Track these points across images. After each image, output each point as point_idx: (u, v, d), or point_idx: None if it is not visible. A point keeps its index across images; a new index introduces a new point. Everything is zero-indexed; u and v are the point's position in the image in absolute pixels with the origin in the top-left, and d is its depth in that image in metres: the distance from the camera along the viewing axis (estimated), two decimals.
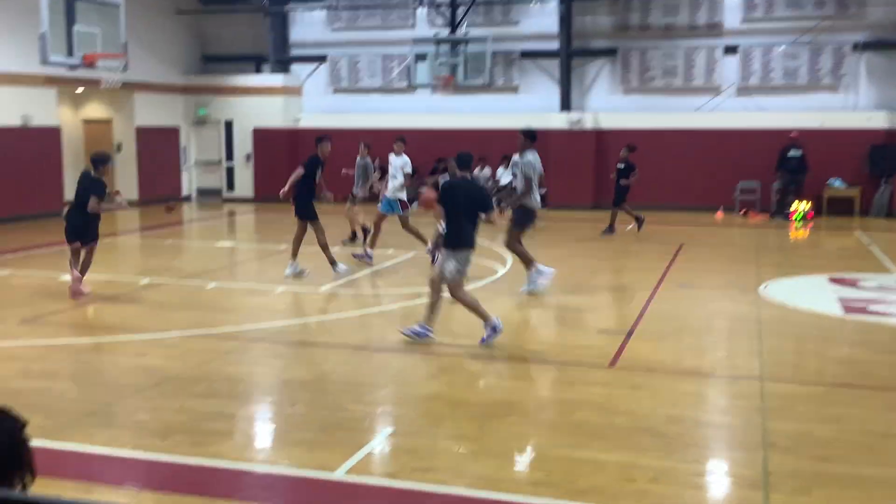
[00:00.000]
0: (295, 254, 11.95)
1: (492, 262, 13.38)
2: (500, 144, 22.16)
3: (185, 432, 5.92)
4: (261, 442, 6.05)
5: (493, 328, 8.12)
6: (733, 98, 21.19)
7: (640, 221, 17.12)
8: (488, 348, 8.08)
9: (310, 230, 11.87)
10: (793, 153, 19.77)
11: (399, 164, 13.61)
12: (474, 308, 8.24)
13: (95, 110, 22.76)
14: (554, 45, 21.85)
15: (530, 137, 10.99)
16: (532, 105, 22.39)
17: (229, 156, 24.22)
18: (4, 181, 17.25)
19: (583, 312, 10.22)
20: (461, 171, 8.62)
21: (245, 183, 24.15)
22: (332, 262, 12.00)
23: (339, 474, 5.25)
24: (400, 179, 13.47)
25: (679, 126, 21.12)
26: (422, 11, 22.88)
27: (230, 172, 24.32)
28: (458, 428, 6.08)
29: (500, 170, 22.46)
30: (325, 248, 11.95)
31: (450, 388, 7.05)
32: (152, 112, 22.81)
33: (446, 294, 8.35)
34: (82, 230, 10.57)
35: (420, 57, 21.00)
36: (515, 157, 11.36)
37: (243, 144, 24.15)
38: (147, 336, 8.70)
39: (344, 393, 6.88)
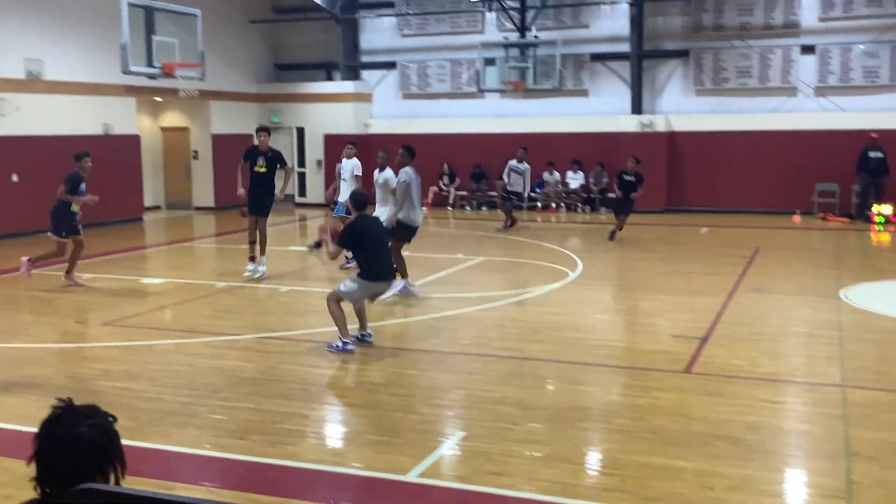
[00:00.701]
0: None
1: (563, 265, 13.29)
2: (570, 148, 22.06)
3: (261, 432, 6.03)
4: (334, 443, 6.11)
5: (343, 345, 8.18)
6: (811, 98, 20.64)
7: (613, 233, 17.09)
8: (372, 347, 8.09)
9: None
10: (873, 154, 19.17)
11: (349, 167, 13.71)
12: (338, 321, 8.21)
13: (173, 118, 23.37)
14: (625, 47, 21.62)
15: (410, 153, 11.09)
16: (602, 108, 22.20)
17: (301, 162, 24.60)
18: (87, 188, 17.79)
19: (656, 317, 10.07)
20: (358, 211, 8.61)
21: (316, 188, 24.46)
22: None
23: (412, 477, 5.27)
24: (350, 183, 13.43)
25: (754, 128, 20.67)
26: (490, 16, 22.89)
27: (302, 178, 24.69)
28: (529, 432, 6.05)
29: (570, 174, 22.32)
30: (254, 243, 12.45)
31: (520, 391, 7.02)
32: (227, 120, 23.31)
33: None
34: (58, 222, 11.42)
35: (489, 61, 20.99)
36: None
37: (314, 150, 24.50)
38: (223, 338, 8.88)
39: (415, 395, 6.92)
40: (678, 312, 10.09)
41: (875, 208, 18.85)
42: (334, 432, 6.35)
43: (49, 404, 2.33)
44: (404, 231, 11.06)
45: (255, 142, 12.41)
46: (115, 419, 2.36)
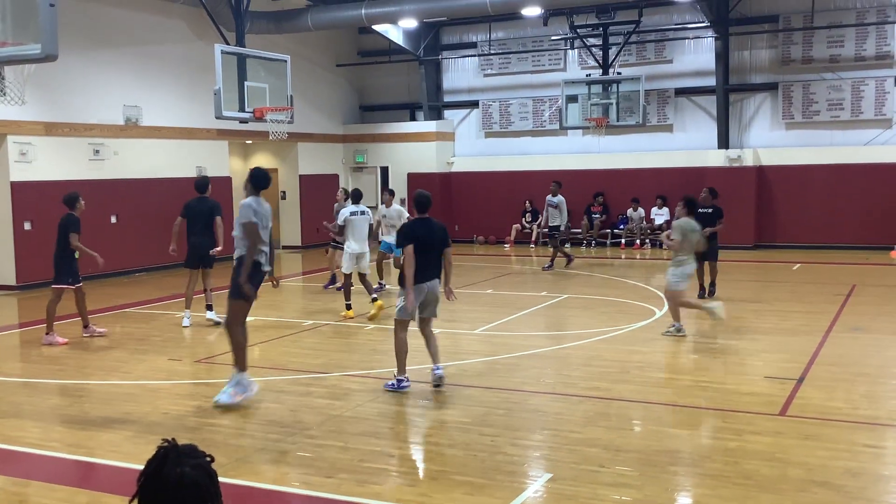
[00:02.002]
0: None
1: (648, 303, 13.09)
2: (655, 184, 21.80)
3: (348, 471, 6.07)
4: (420, 483, 6.11)
5: (398, 383, 8.33)
6: None
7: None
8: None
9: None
10: None
11: (395, 213, 14.57)
12: (399, 356, 8.35)
13: (262, 160, 24.02)
14: (710, 81, 21.34)
15: (256, 184, 8.21)
16: (688, 143, 21.92)
17: None
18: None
19: (748, 357, 9.80)
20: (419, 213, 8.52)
21: None
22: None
23: None
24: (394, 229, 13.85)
25: (847, 161, 20.09)
26: (572, 53, 22.94)
27: None
28: (618, 475, 5.93)
29: (654, 209, 22.04)
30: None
31: (608, 432, 6.90)
32: (314, 160, 23.88)
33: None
34: (63, 271, 11.04)
35: (571, 98, 20.99)
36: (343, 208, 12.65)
37: (398, 189, 24.80)
38: (311, 376, 9.02)
39: (501, 436, 6.87)
40: (771, 352, 9.80)
41: None
42: (420, 472, 6.35)
43: (144, 441, 2.41)
44: (256, 275, 7.98)
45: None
46: (212, 459, 2.41)
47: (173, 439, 2.36)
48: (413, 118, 25.30)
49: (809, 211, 20.62)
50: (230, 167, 21.48)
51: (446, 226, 8.84)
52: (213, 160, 20.10)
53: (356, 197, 13.24)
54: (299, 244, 23.61)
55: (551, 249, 17.99)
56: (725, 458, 6.25)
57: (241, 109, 13.94)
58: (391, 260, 14.44)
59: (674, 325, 10.84)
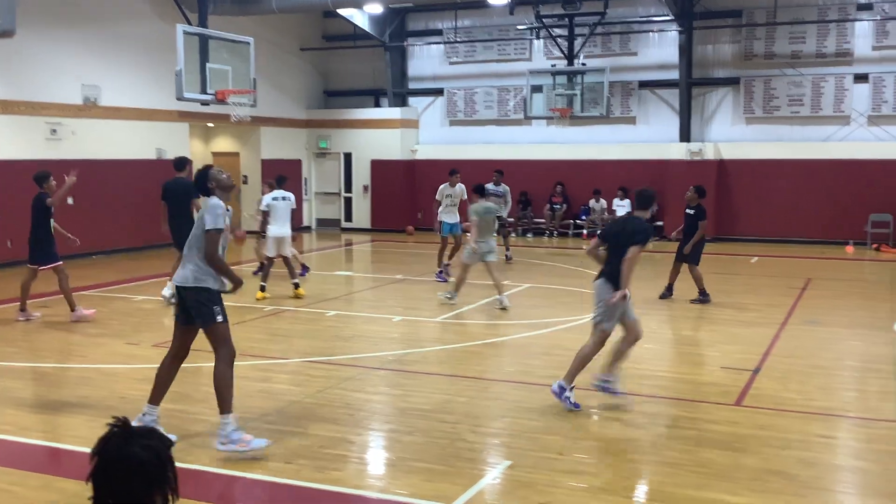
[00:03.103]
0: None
1: None
2: (617, 175, 21.95)
3: (307, 457, 6.05)
4: (380, 469, 6.10)
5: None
6: (864, 128, 20.32)
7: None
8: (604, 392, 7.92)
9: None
10: None
11: (459, 191, 14.79)
12: (583, 361, 7.51)
13: (224, 144, 23.78)
14: (674, 74, 21.53)
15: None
16: (650, 135, 22.10)
17: (347, 187, 24.85)
18: (141, 211, 18.17)
19: (705, 348, 9.93)
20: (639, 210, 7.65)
21: (362, 213, 24.70)
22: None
23: None
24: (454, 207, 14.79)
25: (806, 156, 20.40)
26: (538, 44, 22.99)
27: (348, 203, 24.94)
28: (576, 462, 5.98)
29: (616, 200, 22.20)
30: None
31: (567, 421, 6.96)
32: (277, 145, 23.67)
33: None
34: (38, 252, 10.93)
35: (536, 88, 21.03)
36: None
37: (361, 176, 24.73)
38: (270, 362, 8.96)
39: (461, 423, 6.89)
40: (728, 343, 9.94)
41: None
42: (380, 458, 6.34)
43: (100, 425, 2.36)
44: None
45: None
46: (172, 443, 2.38)
47: (125, 418, 2.32)
48: (377, 105, 25.18)
49: (768, 205, 20.92)
50: (191, 150, 21.20)
51: None
52: (173, 142, 19.82)
53: (280, 182, 13.41)
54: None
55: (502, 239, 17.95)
56: (682, 447, 6.33)
57: (203, 91, 13.78)
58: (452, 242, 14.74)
59: (449, 293, 12.06)
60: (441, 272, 14.51)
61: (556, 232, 22.51)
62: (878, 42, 20.14)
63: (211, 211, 6.27)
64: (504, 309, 11.84)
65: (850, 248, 19.36)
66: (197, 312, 6.27)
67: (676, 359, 9.70)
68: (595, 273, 7.57)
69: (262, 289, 12.69)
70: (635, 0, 21.83)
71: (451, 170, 15.16)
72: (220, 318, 6.26)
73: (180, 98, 13.60)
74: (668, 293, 12.91)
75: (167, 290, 12.12)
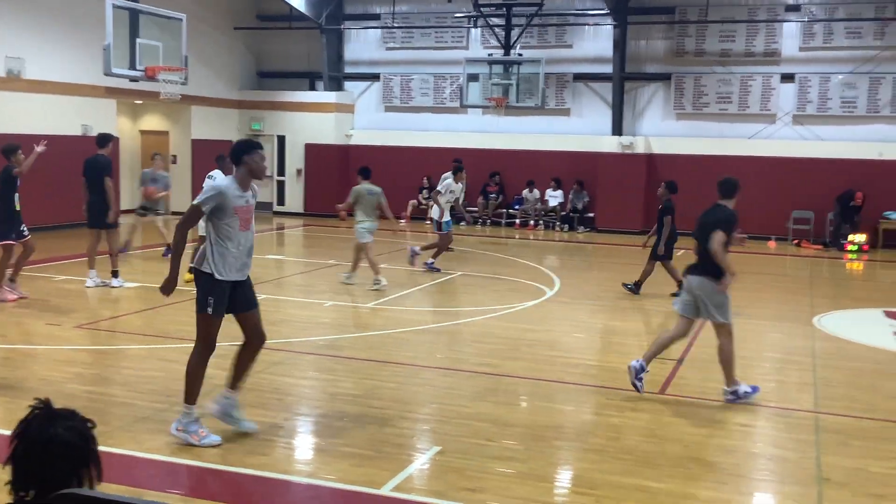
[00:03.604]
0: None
1: (540, 283, 13.34)
2: (551, 166, 22.17)
3: (234, 441, 5.97)
4: (308, 454, 6.06)
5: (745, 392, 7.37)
6: (789, 126, 20.91)
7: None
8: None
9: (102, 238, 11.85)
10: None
11: (460, 188, 14.78)
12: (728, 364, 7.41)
13: (153, 122, 23.24)
14: (607, 68, 21.80)
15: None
16: (583, 128, 22.36)
17: (281, 170, 24.54)
18: (62, 189, 17.64)
19: (632, 337, 10.11)
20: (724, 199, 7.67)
21: (295, 197, 24.44)
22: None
23: (386, 490, 5.24)
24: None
25: (733, 153, 20.89)
26: (475, 32, 23.02)
27: (281, 187, 24.64)
28: (504, 449, 6.04)
29: (549, 191, 22.42)
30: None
31: (496, 408, 7.01)
32: (208, 125, 23.23)
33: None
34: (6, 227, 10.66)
35: (472, 77, 21.08)
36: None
37: (295, 159, 24.44)
38: None
39: (391, 409, 6.88)
40: (655, 333, 10.13)
41: (850, 237, 19.12)
42: (309, 443, 6.30)
43: (19, 407, 2.30)
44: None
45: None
46: (93, 424, 2.33)
47: (47, 400, 2.26)
48: (313, 88, 24.90)
49: (695, 200, 21.21)
50: (118, 127, 20.66)
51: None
52: (99, 119, 19.26)
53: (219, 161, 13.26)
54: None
55: None
56: (608, 434, 6.44)
57: (132, 67, 13.44)
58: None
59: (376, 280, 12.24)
60: (433, 262, 14.25)
61: (489, 221, 22.63)
62: (804, 43, 20.71)
63: (204, 188, 6.02)
64: (379, 289, 12.10)
65: (772, 244, 19.93)
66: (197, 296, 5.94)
67: (604, 348, 9.86)
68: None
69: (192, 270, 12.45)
70: None
71: (459, 165, 14.87)
72: (209, 310, 5.88)
73: (108, 73, 13.22)
74: (635, 289, 12.60)
75: (91, 281, 11.80)
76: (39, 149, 10.74)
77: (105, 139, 11.96)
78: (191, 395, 5.96)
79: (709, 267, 7.23)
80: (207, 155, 23.16)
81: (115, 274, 11.90)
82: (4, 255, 10.67)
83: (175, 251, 5.99)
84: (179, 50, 14.34)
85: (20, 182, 10.80)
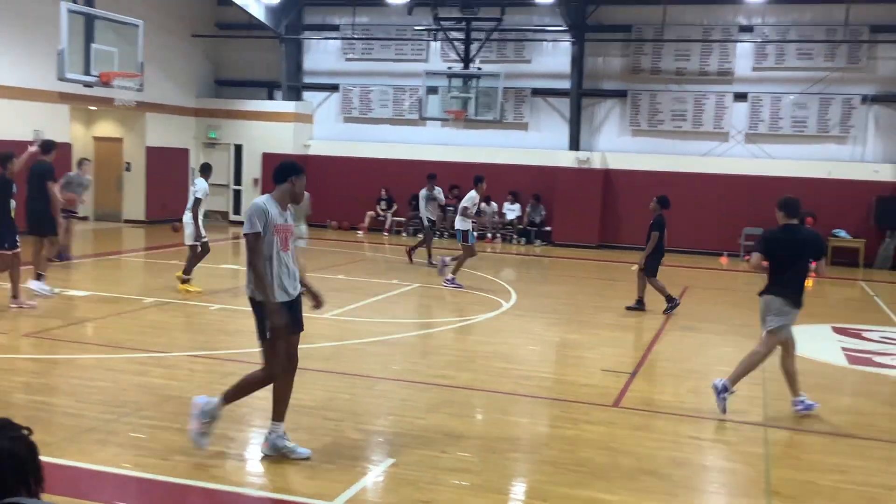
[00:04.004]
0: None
1: (496, 296, 13.38)
2: (508, 180, 22.29)
3: (185, 453, 5.88)
4: (260, 466, 5.99)
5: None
6: (741, 145, 21.30)
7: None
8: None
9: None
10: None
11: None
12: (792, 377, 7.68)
13: (107, 128, 22.91)
14: (565, 84, 22.02)
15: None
16: (541, 142, 22.54)
17: (237, 179, 24.34)
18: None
19: (586, 350, 10.18)
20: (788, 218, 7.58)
21: None
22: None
23: (339, 503, 5.20)
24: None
25: (686, 170, 21.22)
26: (435, 45, 23.10)
27: (238, 195, 24.43)
28: (458, 461, 6.03)
29: (507, 205, 22.53)
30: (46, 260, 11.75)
31: (451, 420, 7.00)
32: (163, 133, 22.97)
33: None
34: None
35: (432, 90, 21.14)
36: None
37: (252, 169, 24.25)
38: (149, 355, 8.67)
39: (345, 420, 6.84)
40: (608, 347, 10.22)
41: None
42: (260, 455, 6.22)
43: None
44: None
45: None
46: (30, 432, 2.31)
47: None
48: (271, 97, 24.77)
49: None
50: (71, 133, 20.34)
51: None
52: (52, 124, 18.95)
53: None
54: (143, 219, 22.67)
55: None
56: (562, 446, 6.47)
57: (87, 73, 13.24)
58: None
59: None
60: (453, 279, 14.15)
61: (446, 233, 22.65)
62: (757, 63, 21.14)
63: (247, 214, 5.76)
64: None
65: (724, 259, 20.20)
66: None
67: (559, 361, 9.91)
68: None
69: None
70: (531, 8, 22.22)
71: (480, 176, 14.83)
72: (268, 335, 5.79)
73: (62, 78, 13.01)
74: (639, 306, 12.60)
75: (34, 284, 11.55)
76: (32, 148, 10.98)
77: (49, 146, 11.76)
78: (278, 411, 5.94)
79: (791, 285, 7.49)
80: (163, 163, 22.93)
81: (39, 277, 11.61)
82: (14, 261, 10.53)
83: (263, 283, 5.75)
84: (135, 56, 14.17)
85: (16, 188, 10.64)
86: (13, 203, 10.65)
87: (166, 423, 6.54)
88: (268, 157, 23.76)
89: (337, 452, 6.05)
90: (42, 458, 2.31)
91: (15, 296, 10.65)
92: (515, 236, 22.26)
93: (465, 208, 14.47)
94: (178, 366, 8.37)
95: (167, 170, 23.13)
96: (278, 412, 6.01)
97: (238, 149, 24.28)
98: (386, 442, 6.48)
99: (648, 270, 12.63)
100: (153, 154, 22.67)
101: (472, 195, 14.58)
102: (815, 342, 11.17)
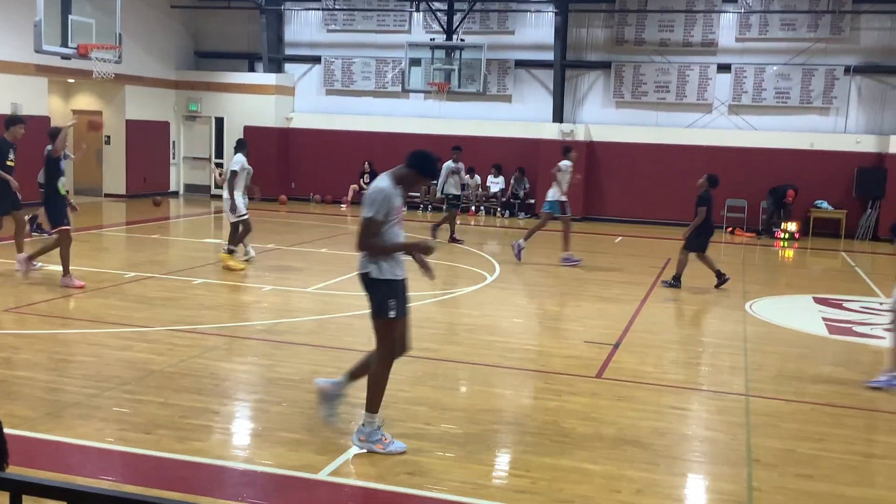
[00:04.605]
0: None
1: (480, 269, 13.39)
2: (492, 152, 22.23)
3: (168, 427, 5.88)
4: (245, 439, 6.00)
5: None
6: (724, 116, 21.32)
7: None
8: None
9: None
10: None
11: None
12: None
13: (85, 101, 22.64)
14: (548, 55, 21.92)
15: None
16: (525, 114, 22.46)
17: (219, 153, 24.14)
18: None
19: (570, 322, 10.23)
20: None
21: None
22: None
23: (323, 475, 5.22)
24: None
25: (670, 141, 21.24)
26: (418, 16, 22.92)
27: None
28: (443, 433, 6.06)
29: (490, 178, 22.49)
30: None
31: (435, 392, 7.03)
32: (143, 106, 22.73)
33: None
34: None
35: (414, 62, 20.99)
36: None
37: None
38: (131, 330, 8.63)
39: None
40: (592, 319, 10.27)
41: (782, 225, 19.62)
42: (244, 429, 6.23)
43: None
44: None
45: (8, 135, 11.15)
46: None
47: None
48: (252, 69, 24.52)
49: (633, 187, 21.68)
50: (49, 106, 20.10)
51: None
52: (29, 97, 18.73)
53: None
54: (124, 193, 22.49)
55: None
56: (545, 417, 6.51)
57: (64, 45, 13.07)
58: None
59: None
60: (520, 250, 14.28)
61: (430, 206, 22.62)
62: (741, 34, 21.12)
63: (367, 198, 5.66)
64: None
65: None
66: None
67: (543, 333, 9.95)
68: None
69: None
70: None
71: (569, 146, 14.91)
72: (391, 314, 5.73)
73: (39, 51, 12.84)
74: (675, 283, 12.42)
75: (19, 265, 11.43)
76: (70, 123, 10.94)
77: (12, 121, 11.45)
78: (374, 403, 5.74)
79: None
80: (143, 136, 22.71)
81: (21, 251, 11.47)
82: (65, 240, 10.49)
83: (395, 248, 5.85)
84: (114, 27, 13.99)
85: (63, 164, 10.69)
86: (62, 180, 10.61)
87: (150, 397, 6.53)
88: (249, 131, 23.56)
89: (321, 425, 6.06)
90: (24, 433, 2.30)
91: (66, 274, 10.63)
92: (499, 209, 22.24)
93: (557, 171, 14.91)
94: (161, 340, 8.34)
95: (147, 143, 22.92)
96: (354, 374, 5.94)
97: (219, 121, 24.07)
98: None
99: (691, 245, 12.40)
100: (133, 127, 22.45)
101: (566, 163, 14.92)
102: (797, 312, 11.27)
